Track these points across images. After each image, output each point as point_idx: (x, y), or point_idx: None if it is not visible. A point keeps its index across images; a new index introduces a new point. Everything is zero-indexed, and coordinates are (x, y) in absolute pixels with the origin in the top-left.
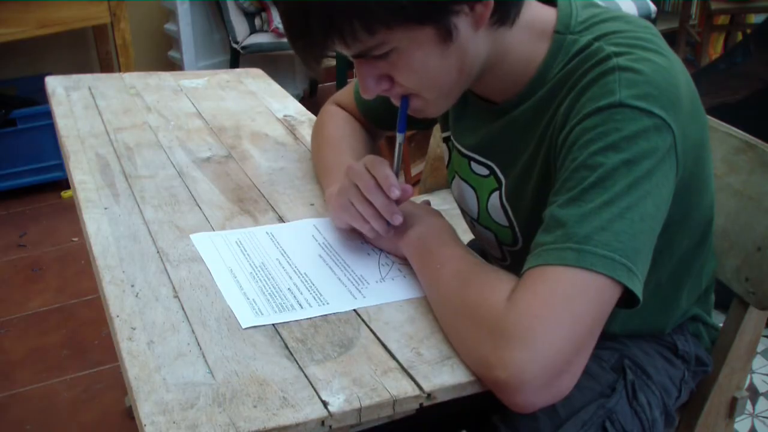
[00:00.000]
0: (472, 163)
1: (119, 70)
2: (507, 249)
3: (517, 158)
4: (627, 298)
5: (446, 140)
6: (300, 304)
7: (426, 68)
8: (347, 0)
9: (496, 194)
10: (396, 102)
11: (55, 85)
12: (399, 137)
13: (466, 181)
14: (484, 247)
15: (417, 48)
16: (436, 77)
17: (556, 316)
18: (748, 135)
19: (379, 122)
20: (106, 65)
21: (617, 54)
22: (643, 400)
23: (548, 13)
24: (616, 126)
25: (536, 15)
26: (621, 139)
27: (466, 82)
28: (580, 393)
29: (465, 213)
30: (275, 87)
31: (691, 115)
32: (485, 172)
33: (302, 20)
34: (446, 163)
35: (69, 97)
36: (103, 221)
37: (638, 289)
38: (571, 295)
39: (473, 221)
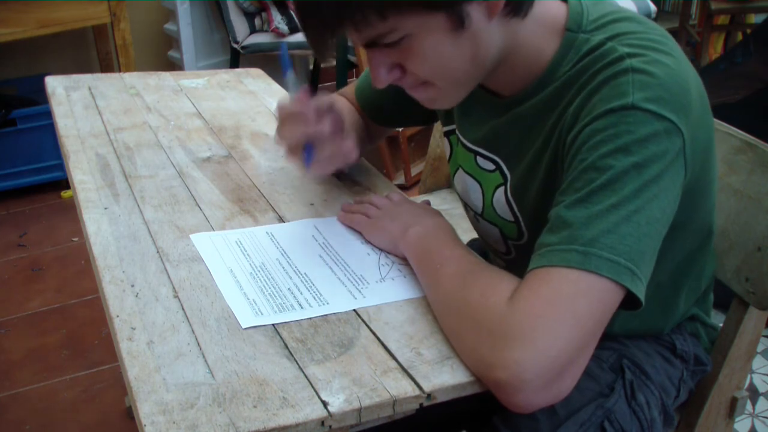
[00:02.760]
0: (478, 158)
1: (119, 70)
2: (512, 243)
3: (522, 154)
4: (629, 300)
5: (447, 134)
6: (300, 304)
7: (438, 56)
8: None
9: (501, 189)
10: (408, 90)
11: (55, 85)
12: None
13: (471, 175)
14: (487, 242)
15: (428, 35)
16: (449, 65)
17: (558, 318)
18: (748, 135)
19: (378, 118)
20: (106, 65)
21: (631, 55)
22: (641, 399)
23: (559, 9)
24: (627, 128)
25: (547, 9)
26: (632, 142)
27: (479, 73)
28: (579, 393)
29: (468, 208)
30: (275, 87)
31: (700, 119)
32: (491, 167)
33: (314, 3)
34: (448, 157)
35: (69, 97)
36: (103, 221)
37: (641, 292)
38: (575, 296)
39: (477, 216)
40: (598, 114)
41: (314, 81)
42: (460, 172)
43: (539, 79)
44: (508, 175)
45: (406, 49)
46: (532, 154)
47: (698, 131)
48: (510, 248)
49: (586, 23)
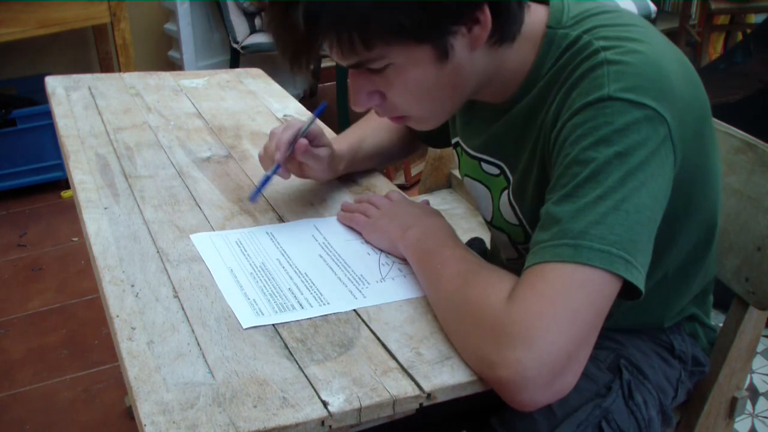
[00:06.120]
0: (483, 164)
1: (119, 70)
2: (521, 247)
3: (519, 156)
4: (629, 290)
5: (455, 145)
6: (300, 304)
7: (419, 87)
8: (347, 11)
9: (506, 192)
10: (383, 115)
11: (55, 85)
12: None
13: (479, 181)
14: (500, 251)
15: (413, 66)
16: (429, 95)
17: (556, 313)
18: (748, 135)
19: (421, 134)
20: (106, 65)
21: (605, 48)
22: (639, 399)
23: (540, 13)
24: (606, 120)
25: (528, 20)
26: (612, 133)
27: (460, 98)
28: (577, 393)
29: (483, 217)
30: (275, 87)
31: (689, 104)
32: (496, 171)
33: (293, 23)
34: (458, 167)
35: (69, 97)
36: (103, 221)
37: (639, 280)
38: (570, 291)
39: (488, 224)
40: (576, 108)
41: (314, 81)
42: (468, 180)
43: (526, 81)
44: (511, 178)
45: (390, 78)
46: (526, 155)
47: (687, 116)
48: (521, 252)
49: (566, 19)
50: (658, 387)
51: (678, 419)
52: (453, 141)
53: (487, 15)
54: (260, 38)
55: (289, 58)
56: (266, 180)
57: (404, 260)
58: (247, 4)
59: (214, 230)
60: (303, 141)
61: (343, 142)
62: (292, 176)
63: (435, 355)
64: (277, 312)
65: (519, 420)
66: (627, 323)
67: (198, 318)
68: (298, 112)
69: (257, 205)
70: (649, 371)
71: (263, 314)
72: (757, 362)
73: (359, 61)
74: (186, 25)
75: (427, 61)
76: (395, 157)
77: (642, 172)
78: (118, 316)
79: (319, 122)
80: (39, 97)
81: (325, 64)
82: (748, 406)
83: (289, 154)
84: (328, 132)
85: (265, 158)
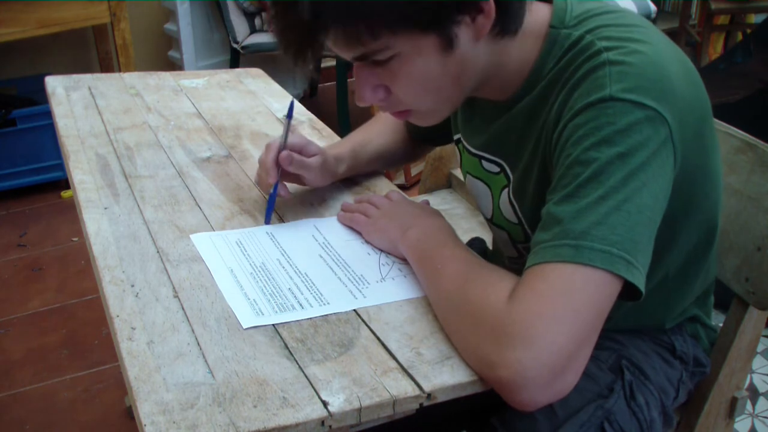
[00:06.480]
0: (483, 162)
1: (119, 70)
2: (521, 246)
3: (520, 155)
4: (629, 291)
5: (456, 142)
6: (300, 304)
7: (425, 77)
8: (353, 0)
9: (506, 191)
10: (387, 110)
11: (55, 85)
12: (285, 121)
13: (479, 179)
14: (500, 249)
15: (418, 56)
16: (434, 86)
17: (556, 314)
18: (748, 135)
19: (415, 132)
20: (106, 65)
21: (608, 48)
22: (641, 400)
23: (543, 12)
24: (608, 120)
25: (531, 18)
26: (614, 133)
27: (462, 92)
28: (578, 394)
29: (483, 215)
30: (275, 87)
31: (690, 104)
32: (496, 169)
33: (298, 16)
34: (459, 164)
35: (69, 97)
36: (103, 221)
37: (639, 281)
38: (571, 291)
39: (488, 221)
40: (578, 109)
41: (314, 81)
42: (469, 177)
43: (527, 80)
44: (511, 177)
45: (394, 70)
46: (527, 154)
47: (687, 116)
48: (521, 252)
49: (570, 19)
50: (660, 388)
51: (678, 419)
52: (455, 137)
53: (490, 4)
54: (260, 38)
55: (293, 53)
56: (272, 201)
57: (404, 260)
58: (247, 4)
59: (214, 230)
60: (284, 153)
61: (345, 145)
62: None
63: (435, 355)
64: (277, 312)
65: (519, 420)
66: (627, 325)
67: (198, 318)
68: (298, 111)
69: (257, 205)
70: (651, 372)
71: (263, 314)
72: (757, 362)
73: (364, 52)
74: (186, 25)
75: (432, 51)
76: (399, 161)
77: (643, 172)
78: (118, 316)
79: (306, 118)
80: (39, 97)
81: (325, 64)
82: (748, 406)
83: (280, 171)
84: (329, 133)
85: (262, 184)
